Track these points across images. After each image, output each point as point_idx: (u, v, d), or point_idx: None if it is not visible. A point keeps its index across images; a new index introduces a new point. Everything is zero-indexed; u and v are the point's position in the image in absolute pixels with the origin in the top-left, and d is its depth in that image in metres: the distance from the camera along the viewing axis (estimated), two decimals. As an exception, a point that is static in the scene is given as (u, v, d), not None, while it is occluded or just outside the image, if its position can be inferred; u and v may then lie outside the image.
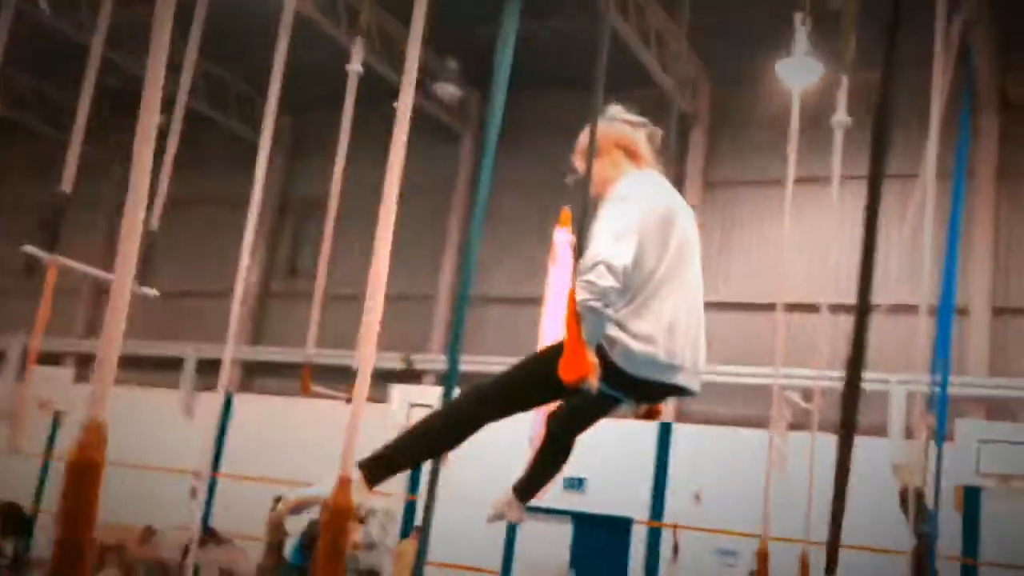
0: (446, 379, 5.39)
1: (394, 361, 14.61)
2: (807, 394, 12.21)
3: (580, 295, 2.53)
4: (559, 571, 13.97)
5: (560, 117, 15.36)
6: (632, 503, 13.85)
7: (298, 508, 2.70)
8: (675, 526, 13.32)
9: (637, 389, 2.74)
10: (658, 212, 2.78)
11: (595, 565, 13.93)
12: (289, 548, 13.51)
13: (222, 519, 15.53)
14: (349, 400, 8.43)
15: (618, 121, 3.07)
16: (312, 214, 16.66)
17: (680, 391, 2.80)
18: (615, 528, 13.82)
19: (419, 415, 16.73)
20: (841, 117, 5.86)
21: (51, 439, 18.08)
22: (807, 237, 13.18)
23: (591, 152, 2.91)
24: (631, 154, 3.01)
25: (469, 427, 2.69)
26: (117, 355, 2.09)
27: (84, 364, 18.37)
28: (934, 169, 7.36)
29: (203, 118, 16.53)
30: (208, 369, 15.75)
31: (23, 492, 17.16)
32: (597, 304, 2.53)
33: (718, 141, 15.06)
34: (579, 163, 3.04)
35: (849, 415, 4.94)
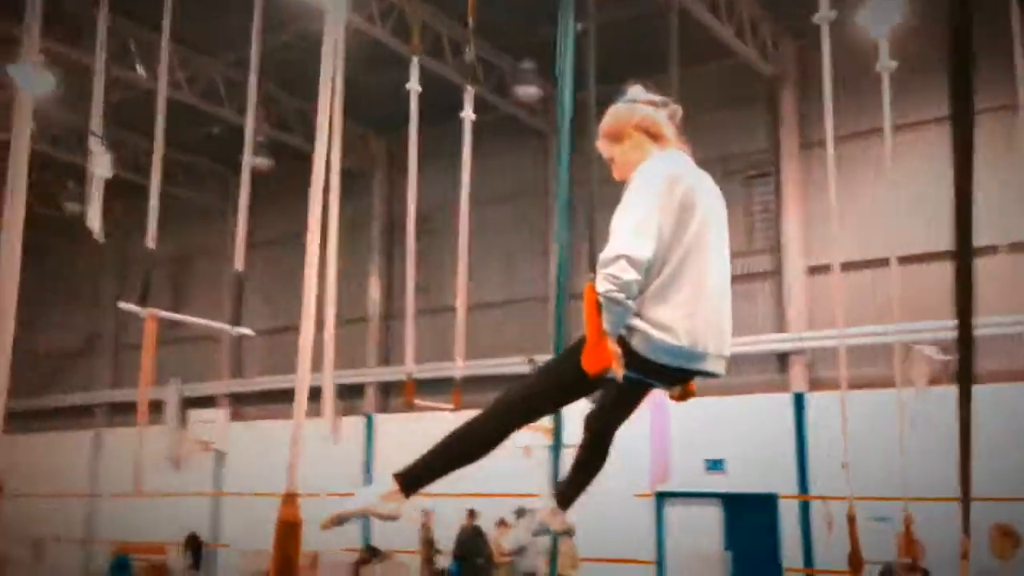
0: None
1: (517, 365, 14.69)
2: (945, 347, 11.70)
3: (602, 286, 2.52)
4: (716, 554, 13.85)
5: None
6: (776, 478, 13.61)
7: (341, 520, 2.73)
8: (823, 497, 12.99)
9: (662, 374, 2.71)
10: (679, 194, 2.71)
11: (749, 545, 13.76)
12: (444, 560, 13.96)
13: (380, 537, 16.10)
14: (454, 409, 8.70)
15: (639, 102, 2.99)
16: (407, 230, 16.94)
17: (705, 374, 2.74)
18: (763, 505, 13.63)
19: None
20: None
21: (217, 478, 19.27)
22: (915, 185, 12.71)
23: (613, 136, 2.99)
24: (654, 135, 2.94)
25: (502, 433, 2.73)
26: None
27: (235, 403, 19.41)
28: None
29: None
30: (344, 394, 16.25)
31: (199, 525, 18.44)
32: (620, 296, 2.51)
33: (806, 101, 14.54)
34: (603, 148, 3.00)
35: (965, 366, 3.99)
